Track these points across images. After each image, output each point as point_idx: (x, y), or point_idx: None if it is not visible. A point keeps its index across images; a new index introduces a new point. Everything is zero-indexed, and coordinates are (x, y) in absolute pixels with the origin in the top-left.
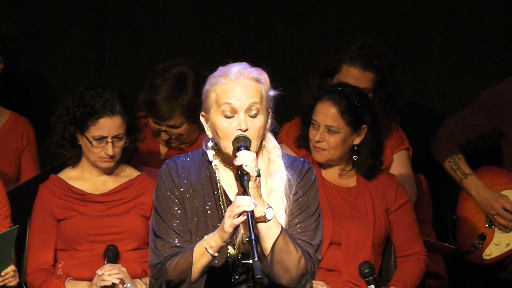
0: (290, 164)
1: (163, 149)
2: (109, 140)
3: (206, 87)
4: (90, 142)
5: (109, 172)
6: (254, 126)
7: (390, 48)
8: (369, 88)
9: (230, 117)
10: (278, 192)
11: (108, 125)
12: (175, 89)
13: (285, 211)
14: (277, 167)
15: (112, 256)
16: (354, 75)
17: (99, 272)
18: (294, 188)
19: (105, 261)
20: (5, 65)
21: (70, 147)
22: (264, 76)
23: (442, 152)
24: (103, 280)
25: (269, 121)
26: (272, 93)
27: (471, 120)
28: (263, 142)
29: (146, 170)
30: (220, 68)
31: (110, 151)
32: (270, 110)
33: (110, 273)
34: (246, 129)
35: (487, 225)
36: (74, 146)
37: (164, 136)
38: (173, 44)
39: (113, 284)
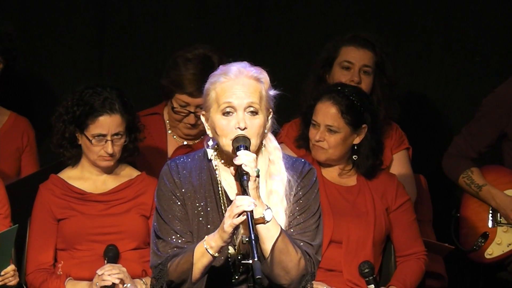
0: (291, 165)
1: (170, 149)
2: (109, 138)
3: (207, 85)
4: (90, 141)
5: (109, 171)
6: (253, 124)
7: (390, 47)
8: (369, 66)
9: (229, 116)
10: (278, 193)
11: (108, 123)
12: (204, 65)
13: (285, 213)
14: (277, 169)
15: (112, 256)
16: (353, 54)
17: (99, 272)
18: (294, 189)
19: (105, 261)
20: (5, 65)
21: (70, 147)
22: (264, 75)
23: (454, 170)
24: (103, 280)
25: (270, 121)
26: (272, 92)
27: (477, 130)
28: (264, 142)
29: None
30: (221, 67)
31: (109, 149)
32: (271, 110)
33: (110, 273)
34: (245, 128)
35: (489, 224)
36: (74, 146)
37: (192, 120)
38: (173, 44)
39: (113, 284)
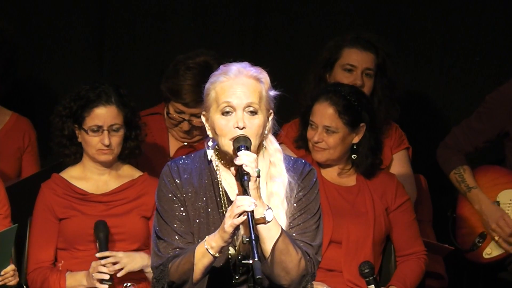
0: (292, 166)
1: (172, 149)
2: (105, 128)
3: (207, 85)
4: (86, 132)
5: (109, 166)
6: (252, 124)
7: (391, 47)
8: (371, 69)
9: (228, 115)
10: (279, 195)
11: (103, 114)
12: (202, 76)
13: (286, 214)
14: (278, 171)
15: (104, 235)
16: (355, 56)
17: (93, 264)
18: (295, 190)
19: (97, 243)
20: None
21: (69, 144)
22: (264, 76)
23: (448, 163)
24: (99, 272)
25: (271, 122)
26: (272, 93)
27: (477, 125)
28: (264, 144)
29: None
30: (221, 66)
31: (106, 140)
32: (271, 111)
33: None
34: (244, 127)
35: None
36: (74, 144)
37: (186, 126)
38: (173, 44)
39: (111, 277)
